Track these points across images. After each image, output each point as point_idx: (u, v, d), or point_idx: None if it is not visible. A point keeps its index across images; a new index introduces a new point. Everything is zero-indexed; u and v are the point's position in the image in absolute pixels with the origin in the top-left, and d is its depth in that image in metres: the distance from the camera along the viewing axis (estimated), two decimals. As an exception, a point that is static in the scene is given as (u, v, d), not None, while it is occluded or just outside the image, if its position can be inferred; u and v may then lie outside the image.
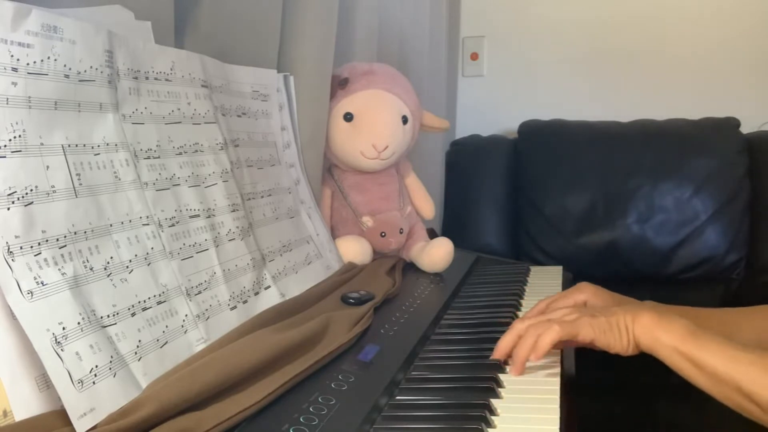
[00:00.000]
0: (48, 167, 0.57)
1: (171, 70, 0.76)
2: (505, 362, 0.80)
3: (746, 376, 0.66)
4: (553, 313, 0.81)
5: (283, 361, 0.69)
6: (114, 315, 0.59)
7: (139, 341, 0.61)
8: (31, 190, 0.55)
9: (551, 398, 0.70)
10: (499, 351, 0.79)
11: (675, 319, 0.72)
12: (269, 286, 0.84)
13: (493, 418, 0.65)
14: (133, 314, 0.61)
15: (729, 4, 2.09)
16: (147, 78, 0.72)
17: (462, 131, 2.22)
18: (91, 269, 0.58)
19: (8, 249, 0.52)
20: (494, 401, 0.68)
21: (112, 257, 0.61)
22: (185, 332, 0.67)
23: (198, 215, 0.75)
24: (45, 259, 0.54)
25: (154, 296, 0.65)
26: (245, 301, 0.78)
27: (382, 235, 1.14)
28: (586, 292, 0.89)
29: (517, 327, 0.80)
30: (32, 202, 0.54)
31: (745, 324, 0.85)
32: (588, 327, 0.75)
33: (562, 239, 1.93)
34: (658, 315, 0.73)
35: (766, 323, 0.84)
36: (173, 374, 0.61)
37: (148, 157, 0.70)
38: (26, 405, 0.52)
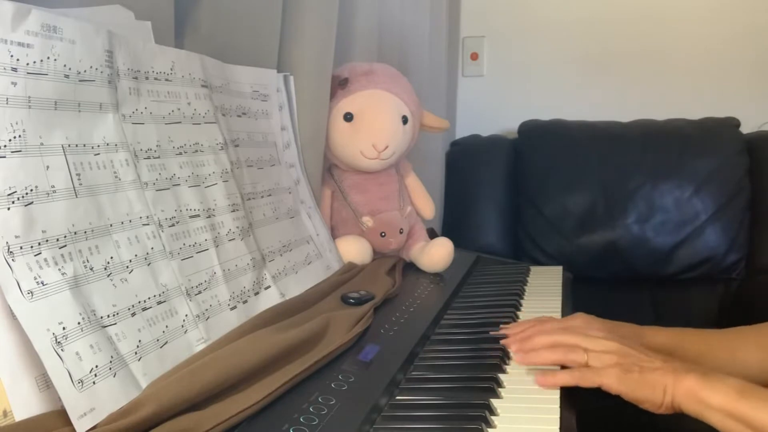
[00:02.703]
0: (48, 167, 0.57)
1: (171, 70, 0.76)
2: (505, 362, 0.80)
3: None
4: (589, 346, 0.75)
5: (283, 361, 0.69)
6: (114, 315, 0.59)
7: (139, 341, 0.61)
8: (31, 190, 0.55)
9: (551, 398, 0.69)
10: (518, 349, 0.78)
11: (721, 379, 0.67)
12: (269, 286, 0.84)
13: (493, 418, 0.65)
14: (133, 314, 0.61)
15: (729, 4, 2.09)
16: (147, 78, 0.72)
17: (462, 131, 2.22)
18: (91, 269, 0.58)
19: (8, 249, 0.52)
20: (494, 401, 0.68)
21: (112, 257, 0.61)
22: (185, 332, 0.67)
23: (198, 215, 0.75)
24: (45, 259, 0.54)
25: (154, 296, 0.65)
26: (245, 301, 0.78)
27: (382, 235, 1.14)
28: (578, 321, 0.85)
29: (549, 354, 0.76)
30: (32, 202, 0.54)
31: (748, 342, 0.82)
32: (614, 379, 0.70)
33: (562, 239, 1.93)
34: (702, 376, 0.67)
35: None
36: (173, 374, 0.61)
37: (148, 157, 0.70)
38: (26, 405, 0.52)
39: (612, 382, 0.70)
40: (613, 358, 0.72)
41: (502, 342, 0.82)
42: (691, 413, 0.68)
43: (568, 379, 0.71)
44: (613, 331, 0.83)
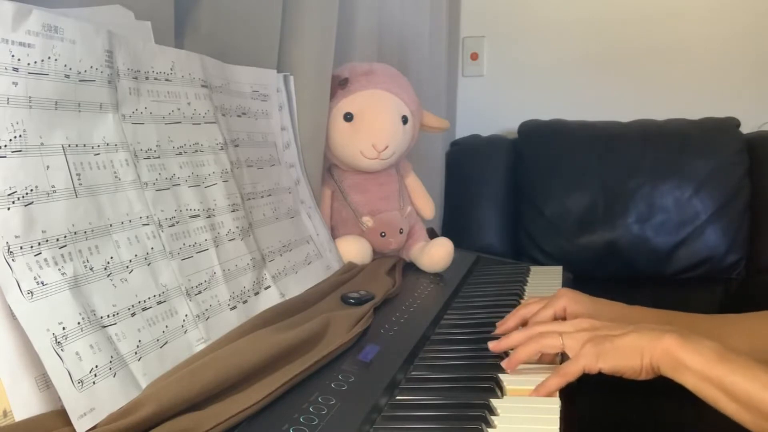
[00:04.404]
0: (48, 167, 0.57)
1: (171, 70, 0.76)
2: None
3: None
4: (562, 329, 0.74)
5: (283, 361, 0.69)
6: (114, 315, 0.59)
7: (139, 341, 0.61)
8: (31, 190, 0.55)
9: (551, 398, 0.69)
10: (501, 347, 0.78)
11: (701, 341, 0.65)
12: (269, 286, 0.84)
13: (493, 418, 0.65)
14: (133, 314, 0.61)
15: (729, 4, 2.09)
16: (147, 78, 0.72)
17: (462, 131, 2.22)
18: (91, 269, 0.58)
19: (8, 249, 0.52)
20: (494, 401, 0.68)
21: (112, 257, 0.61)
22: (185, 332, 0.67)
23: (198, 215, 0.75)
24: (45, 259, 0.54)
25: (154, 296, 0.65)
26: (245, 301, 0.78)
27: (382, 235, 1.14)
28: (565, 298, 0.85)
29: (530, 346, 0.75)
30: (32, 202, 0.54)
31: (737, 328, 0.82)
32: (591, 358, 0.69)
33: (562, 239, 1.93)
34: (681, 337, 0.65)
35: (760, 329, 0.81)
36: (173, 374, 0.61)
37: (148, 157, 0.70)
38: (26, 405, 0.52)
39: (590, 361, 0.69)
40: (586, 335, 0.72)
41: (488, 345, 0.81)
42: (666, 374, 0.66)
43: (557, 381, 0.70)
44: (598, 309, 0.83)
